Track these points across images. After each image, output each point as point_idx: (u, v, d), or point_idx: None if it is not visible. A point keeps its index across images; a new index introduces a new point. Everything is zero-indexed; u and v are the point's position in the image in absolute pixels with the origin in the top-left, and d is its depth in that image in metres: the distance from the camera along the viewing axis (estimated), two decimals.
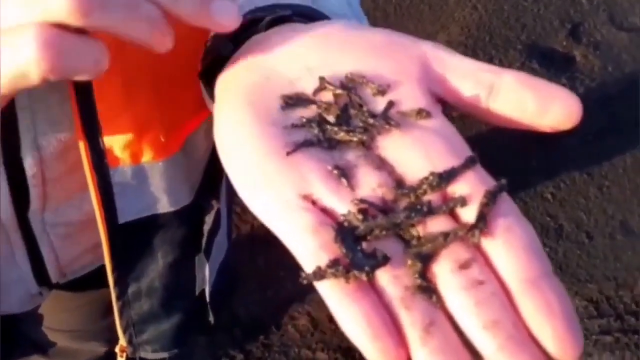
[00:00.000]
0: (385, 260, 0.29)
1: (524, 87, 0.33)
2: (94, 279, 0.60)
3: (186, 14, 0.33)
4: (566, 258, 1.53)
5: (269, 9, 0.40)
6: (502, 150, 1.58)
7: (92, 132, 0.43)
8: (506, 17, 1.89)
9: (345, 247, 0.29)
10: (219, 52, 0.40)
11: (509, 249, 0.29)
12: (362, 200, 0.31)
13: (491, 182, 0.31)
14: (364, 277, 0.28)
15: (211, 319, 0.66)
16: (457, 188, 0.31)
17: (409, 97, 0.34)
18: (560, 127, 0.32)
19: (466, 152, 0.32)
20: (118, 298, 0.55)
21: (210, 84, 0.40)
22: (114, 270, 0.52)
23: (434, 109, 0.34)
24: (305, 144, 0.33)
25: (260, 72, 0.36)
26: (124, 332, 0.58)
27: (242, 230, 1.50)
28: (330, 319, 1.46)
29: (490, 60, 1.79)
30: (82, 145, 0.44)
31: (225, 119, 0.35)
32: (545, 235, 1.56)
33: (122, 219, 0.49)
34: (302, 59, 0.35)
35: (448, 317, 0.28)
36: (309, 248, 0.29)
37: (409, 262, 0.29)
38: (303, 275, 0.29)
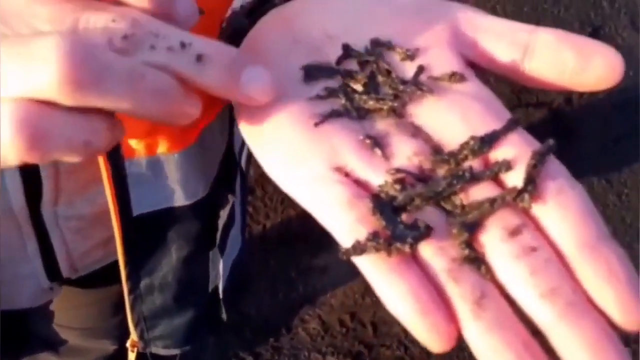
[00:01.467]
0: (428, 231, 0.27)
1: (562, 44, 0.31)
2: (105, 275, 0.59)
3: (211, 86, 0.29)
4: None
5: None
6: None
7: None
8: (526, 19, 1.87)
9: (385, 219, 0.27)
10: (236, 28, 0.38)
11: (563, 213, 0.27)
12: (398, 170, 0.29)
13: (537, 144, 0.29)
14: (407, 249, 0.27)
15: (223, 315, 0.66)
16: (501, 152, 0.29)
17: (440, 61, 0.32)
18: (601, 86, 0.30)
19: (506, 114, 0.30)
20: (130, 292, 0.54)
21: None
22: (126, 263, 0.51)
23: (467, 73, 0.32)
24: (333, 114, 0.31)
25: (281, 44, 0.33)
26: (135, 326, 0.58)
27: (253, 231, 1.49)
28: (341, 323, 1.46)
29: None
30: None
31: None
32: None
33: (136, 211, 0.48)
34: (322, 27, 0.33)
35: (500, 288, 0.27)
36: (345, 222, 0.28)
37: (454, 231, 0.27)
38: (342, 250, 0.27)
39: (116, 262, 0.56)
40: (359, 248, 0.27)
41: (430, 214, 0.28)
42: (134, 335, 0.59)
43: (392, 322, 1.41)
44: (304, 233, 1.48)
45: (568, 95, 1.72)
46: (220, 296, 0.63)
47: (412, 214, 0.28)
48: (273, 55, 0.33)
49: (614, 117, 1.65)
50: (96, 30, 0.26)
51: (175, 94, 0.28)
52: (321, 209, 0.29)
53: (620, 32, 1.85)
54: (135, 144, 0.45)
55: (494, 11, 1.88)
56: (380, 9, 0.34)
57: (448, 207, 0.29)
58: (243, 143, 0.59)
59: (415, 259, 0.27)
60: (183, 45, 0.28)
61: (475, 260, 0.27)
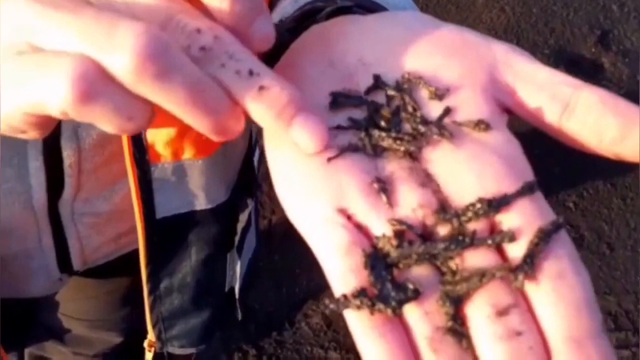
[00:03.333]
0: (415, 295, 0.27)
1: (605, 108, 0.29)
2: (113, 269, 0.60)
3: (263, 118, 0.29)
4: (586, 269, 1.51)
5: (328, 0, 0.38)
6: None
7: None
8: (534, 20, 1.87)
9: (374, 276, 0.27)
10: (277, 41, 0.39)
11: (556, 301, 0.26)
12: (399, 221, 0.28)
13: (549, 217, 0.27)
14: (389, 312, 0.26)
15: (239, 315, 0.66)
16: (508, 219, 0.27)
17: (470, 104, 0.30)
18: (637, 159, 0.29)
19: (527, 175, 0.28)
20: (150, 293, 0.55)
21: None
22: (148, 264, 0.52)
23: (498, 121, 0.30)
24: (349, 149, 0.30)
25: (317, 65, 0.33)
26: (154, 327, 0.58)
27: (259, 226, 1.50)
28: (343, 318, 1.46)
29: None
30: (125, 140, 0.44)
31: None
32: None
33: (159, 214, 0.49)
34: (358, 53, 0.33)
35: None
36: (338, 270, 0.27)
37: (440, 302, 0.27)
38: (327, 302, 0.27)
39: (124, 257, 0.57)
40: (343, 303, 0.27)
41: (423, 272, 0.27)
42: (151, 336, 0.60)
43: None
44: None
45: None
46: (237, 296, 0.64)
47: (405, 272, 0.27)
48: (307, 76, 0.33)
49: None
50: (181, 34, 0.27)
51: (227, 112, 0.28)
52: (320, 249, 0.28)
53: (629, 35, 1.84)
54: (162, 150, 0.46)
55: (502, 12, 1.88)
56: (420, 41, 0.32)
57: (443, 267, 0.28)
58: (256, 147, 0.60)
59: (401, 319, 0.27)
60: (251, 73, 0.28)
61: (458, 333, 0.26)
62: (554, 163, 1.61)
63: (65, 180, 0.47)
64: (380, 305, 0.26)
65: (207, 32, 0.28)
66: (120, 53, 0.25)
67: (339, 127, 0.31)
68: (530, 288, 0.26)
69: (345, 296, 0.27)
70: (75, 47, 0.26)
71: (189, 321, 0.60)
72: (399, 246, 0.28)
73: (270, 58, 0.36)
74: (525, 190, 0.28)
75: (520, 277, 0.26)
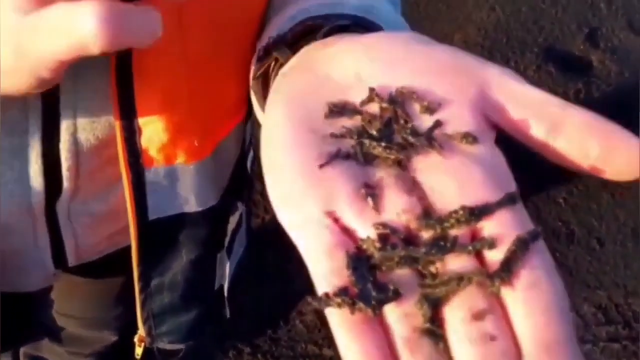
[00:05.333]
0: (395, 296, 0.28)
1: (590, 129, 0.30)
2: (106, 266, 0.61)
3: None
4: (576, 264, 1.52)
5: (324, 18, 0.40)
6: (515, 153, 1.57)
7: (130, 134, 0.45)
8: (524, 19, 1.88)
9: (356, 277, 0.28)
10: (276, 57, 0.40)
11: (529, 307, 0.27)
12: (384, 225, 0.29)
13: (528, 227, 0.29)
14: (369, 312, 0.27)
15: (227, 312, 0.68)
16: (489, 227, 0.29)
17: (459, 119, 0.32)
18: (621, 178, 0.30)
19: (509, 187, 0.30)
20: (141, 291, 0.56)
21: (264, 88, 0.41)
22: (139, 264, 0.53)
23: (485, 135, 0.32)
24: (339, 156, 0.31)
25: (313, 78, 0.35)
26: (144, 323, 0.60)
27: (252, 224, 1.50)
28: None
29: (506, 62, 1.79)
30: (119, 145, 0.45)
31: (270, 122, 0.35)
32: (557, 240, 1.55)
33: (152, 216, 0.50)
34: (356, 69, 0.34)
35: None
36: (321, 270, 0.29)
37: (419, 304, 0.28)
38: (309, 299, 0.28)
39: (118, 254, 0.58)
40: (324, 300, 0.27)
41: (404, 274, 0.28)
42: (141, 331, 0.61)
43: None
44: None
45: (565, 97, 1.73)
46: (225, 294, 0.65)
47: (386, 273, 0.28)
48: (307, 86, 0.35)
49: (610, 118, 1.66)
50: None
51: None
52: (305, 249, 0.29)
53: (617, 33, 1.86)
54: (156, 154, 0.47)
55: (492, 11, 1.89)
56: (416, 59, 0.34)
57: (423, 271, 0.29)
58: (250, 150, 0.61)
59: (380, 320, 0.27)
60: None
61: (435, 335, 0.27)
62: (544, 160, 1.62)
63: (64, 183, 0.48)
64: (360, 305, 0.27)
65: None
66: None
67: (332, 135, 0.32)
68: (505, 294, 0.27)
69: (327, 294, 0.28)
70: None
71: (178, 318, 0.61)
72: (382, 249, 0.29)
73: (266, 71, 0.39)
74: (507, 201, 0.29)
75: (497, 282, 0.27)
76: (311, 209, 0.30)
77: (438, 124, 0.32)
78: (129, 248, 0.53)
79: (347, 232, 0.30)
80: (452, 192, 0.30)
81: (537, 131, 0.31)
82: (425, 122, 0.32)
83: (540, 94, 0.32)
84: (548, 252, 0.28)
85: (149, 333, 0.61)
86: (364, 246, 0.29)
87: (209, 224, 0.55)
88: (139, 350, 0.63)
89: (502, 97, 0.32)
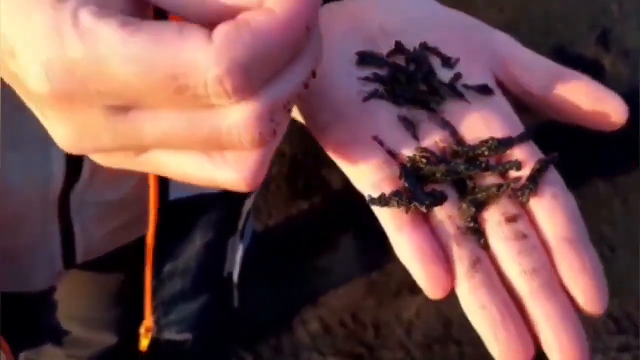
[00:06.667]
0: (443, 198, 0.33)
1: (581, 84, 0.37)
2: (109, 262, 0.61)
3: None
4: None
5: None
6: None
7: None
8: (534, 20, 1.86)
9: (408, 183, 0.33)
10: None
11: (553, 212, 0.33)
12: (424, 149, 0.34)
13: (542, 156, 0.35)
14: (423, 210, 0.32)
15: (235, 301, 0.69)
16: (512, 155, 0.35)
17: (475, 73, 0.37)
18: (604, 129, 0.37)
19: (521, 128, 0.36)
20: (154, 277, 0.57)
21: None
22: (154, 249, 0.54)
23: (495, 89, 0.37)
24: (378, 94, 0.36)
25: (343, 28, 0.39)
26: (153, 312, 0.60)
27: (256, 231, 1.49)
28: (342, 324, 1.45)
29: None
30: None
31: None
32: None
33: (172, 196, 0.51)
34: (381, 23, 0.39)
35: (491, 259, 0.32)
36: (372, 179, 0.34)
37: (464, 206, 0.33)
38: (368, 197, 0.33)
39: (120, 250, 0.58)
40: (383, 200, 0.32)
41: (445, 188, 0.34)
42: (148, 322, 0.61)
43: (393, 323, 1.41)
44: (305, 233, 1.48)
45: None
46: (235, 282, 0.66)
47: (430, 186, 0.34)
48: (334, 35, 0.38)
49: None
50: None
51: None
52: (353, 167, 0.34)
53: (629, 35, 1.84)
54: None
55: (501, 12, 1.87)
56: (437, 20, 0.40)
57: (461, 187, 0.34)
58: None
59: (427, 221, 0.33)
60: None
61: (477, 232, 0.33)
62: (555, 166, 1.60)
63: (83, 170, 0.48)
64: (415, 203, 0.32)
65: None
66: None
67: (367, 79, 0.37)
68: (532, 203, 0.33)
69: (384, 194, 0.33)
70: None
71: (187, 305, 0.62)
72: (427, 163, 0.34)
73: None
74: (524, 137, 0.35)
75: (526, 192, 0.33)
76: (358, 133, 0.35)
77: (459, 76, 0.37)
78: (136, 241, 0.55)
79: (391, 154, 0.35)
80: (479, 129, 0.35)
81: (536, 87, 0.37)
82: (446, 74, 0.38)
83: (538, 57, 0.38)
84: (559, 175, 0.35)
85: (156, 322, 0.61)
86: (412, 160, 0.34)
87: (226, 206, 0.57)
88: (145, 343, 0.62)
89: (507, 56, 0.38)
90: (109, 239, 0.58)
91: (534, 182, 0.33)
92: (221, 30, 0.25)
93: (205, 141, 0.27)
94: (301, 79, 0.27)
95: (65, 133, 0.28)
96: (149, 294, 0.58)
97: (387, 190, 0.33)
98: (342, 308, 1.43)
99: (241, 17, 0.25)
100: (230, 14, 0.26)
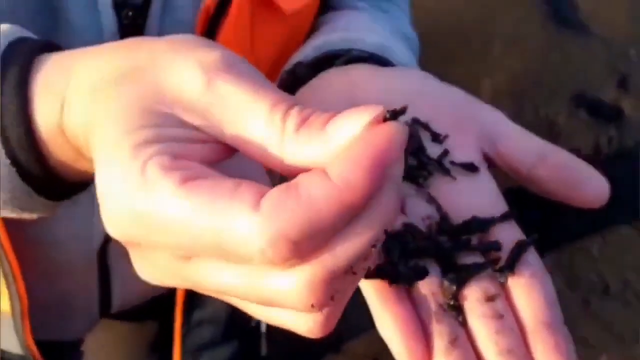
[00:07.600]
0: (425, 273, 0.34)
1: (567, 164, 0.37)
2: (142, 311, 0.62)
3: None
4: (612, 317, 1.48)
5: (345, 51, 0.45)
6: (544, 205, 1.55)
7: None
8: (553, 66, 1.87)
9: (393, 257, 0.34)
10: (298, 77, 0.44)
11: (530, 294, 0.33)
12: (410, 225, 0.36)
13: (523, 236, 0.36)
14: (406, 285, 0.33)
15: (264, 349, 0.68)
16: (493, 235, 0.36)
17: (463, 149, 0.38)
18: (589, 206, 0.37)
19: (504, 208, 0.37)
20: (183, 325, 0.56)
21: None
22: (185, 296, 0.54)
23: (482, 166, 0.38)
24: None
25: (337, 99, 0.39)
26: (182, 359, 0.60)
27: None
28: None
29: (536, 109, 1.77)
30: None
31: None
32: (592, 293, 1.51)
33: None
34: (377, 96, 0.39)
35: (469, 336, 0.33)
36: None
37: (446, 283, 0.34)
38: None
39: (153, 300, 0.58)
40: (368, 273, 0.32)
41: (428, 264, 0.34)
42: None
43: None
44: None
45: (597, 144, 1.70)
46: (263, 330, 0.65)
47: (414, 261, 0.34)
48: (327, 107, 0.36)
49: None
50: None
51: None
52: None
53: None
54: None
55: (522, 58, 1.88)
56: (431, 95, 0.40)
57: (444, 263, 0.35)
58: None
59: (409, 295, 0.33)
60: None
61: (457, 309, 0.34)
62: (574, 211, 1.58)
63: None
64: (398, 279, 0.33)
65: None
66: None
67: None
68: (510, 284, 0.34)
69: (369, 268, 0.32)
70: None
71: (216, 353, 0.62)
72: (413, 240, 0.35)
73: (287, 90, 0.41)
74: (506, 217, 0.37)
75: (505, 273, 0.35)
76: None
77: (446, 152, 0.38)
78: (168, 291, 0.54)
79: None
80: (463, 208, 0.36)
81: (523, 165, 0.38)
82: (435, 150, 0.38)
83: (527, 135, 0.39)
84: (538, 256, 0.35)
85: None
86: (400, 234, 0.35)
87: None
88: None
89: (495, 134, 0.39)
90: (145, 289, 0.58)
91: (512, 264, 0.34)
92: (271, 195, 0.24)
93: (263, 299, 0.26)
94: (366, 241, 0.25)
95: (140, 267, 0.29)
96: (178, 342, 0.58)
97: (372, 264, 0.32)
98: (365, 354, 1.42)
99: (295, 181, 0.24)
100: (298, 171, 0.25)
